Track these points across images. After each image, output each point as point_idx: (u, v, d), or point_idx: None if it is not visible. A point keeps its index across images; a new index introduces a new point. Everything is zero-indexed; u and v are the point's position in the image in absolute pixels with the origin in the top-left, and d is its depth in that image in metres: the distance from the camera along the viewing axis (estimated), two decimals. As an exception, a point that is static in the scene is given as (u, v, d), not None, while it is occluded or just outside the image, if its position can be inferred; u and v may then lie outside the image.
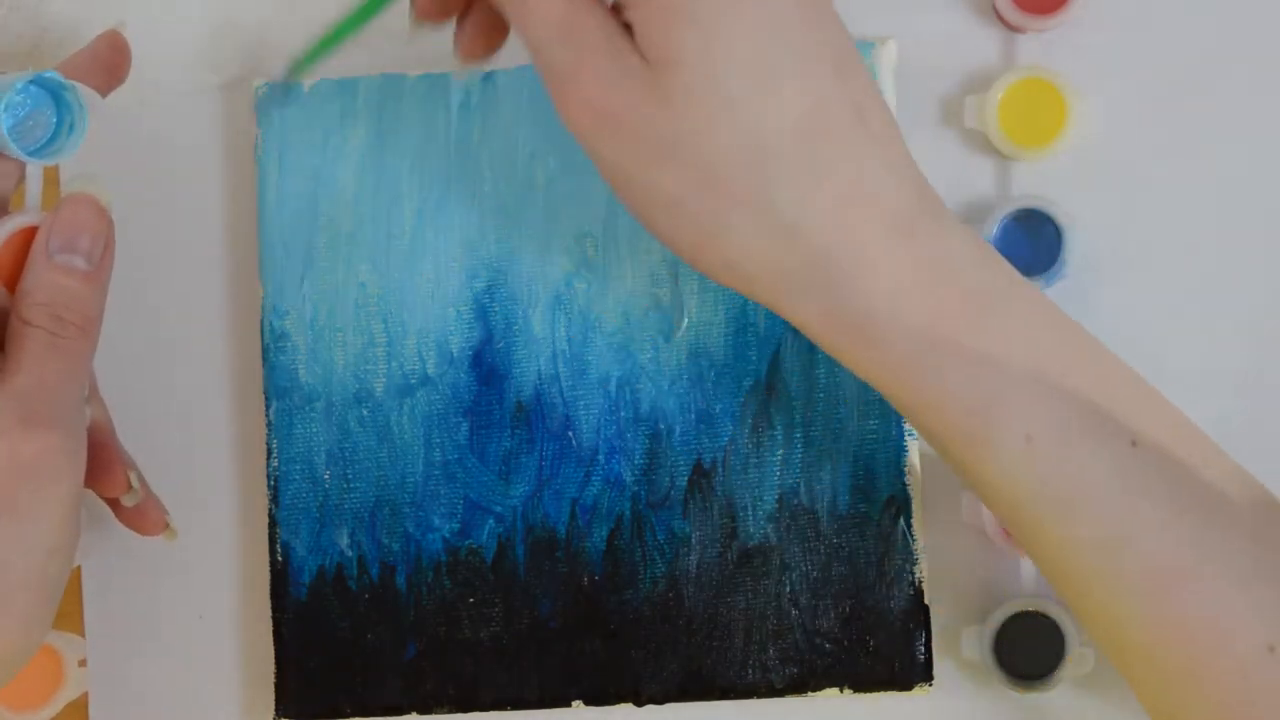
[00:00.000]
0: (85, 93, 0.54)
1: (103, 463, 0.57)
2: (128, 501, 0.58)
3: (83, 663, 0.61)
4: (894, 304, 0.48)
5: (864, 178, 0.48)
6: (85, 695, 0.62)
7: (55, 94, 0.54)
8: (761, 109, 0.47)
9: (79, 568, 0.62)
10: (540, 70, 0.49)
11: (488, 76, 0.61)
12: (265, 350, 0.60)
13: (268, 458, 0.60)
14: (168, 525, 0.59)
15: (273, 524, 0.60)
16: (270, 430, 0.60)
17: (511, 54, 0.61)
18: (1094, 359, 0.50)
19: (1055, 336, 0.49)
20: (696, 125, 0.47)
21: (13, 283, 0.52)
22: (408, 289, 0.60)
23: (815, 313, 0.49)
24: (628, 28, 0.49)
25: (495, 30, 0.54)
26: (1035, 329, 0.49)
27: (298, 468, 0.60)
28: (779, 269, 0.49)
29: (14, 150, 0.53)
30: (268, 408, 0.60)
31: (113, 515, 0.59)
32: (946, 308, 0.48)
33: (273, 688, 0.60)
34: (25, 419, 0.50)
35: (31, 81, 0.53)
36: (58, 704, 0.60)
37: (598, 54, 0.48)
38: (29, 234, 0.53)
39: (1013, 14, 0.59)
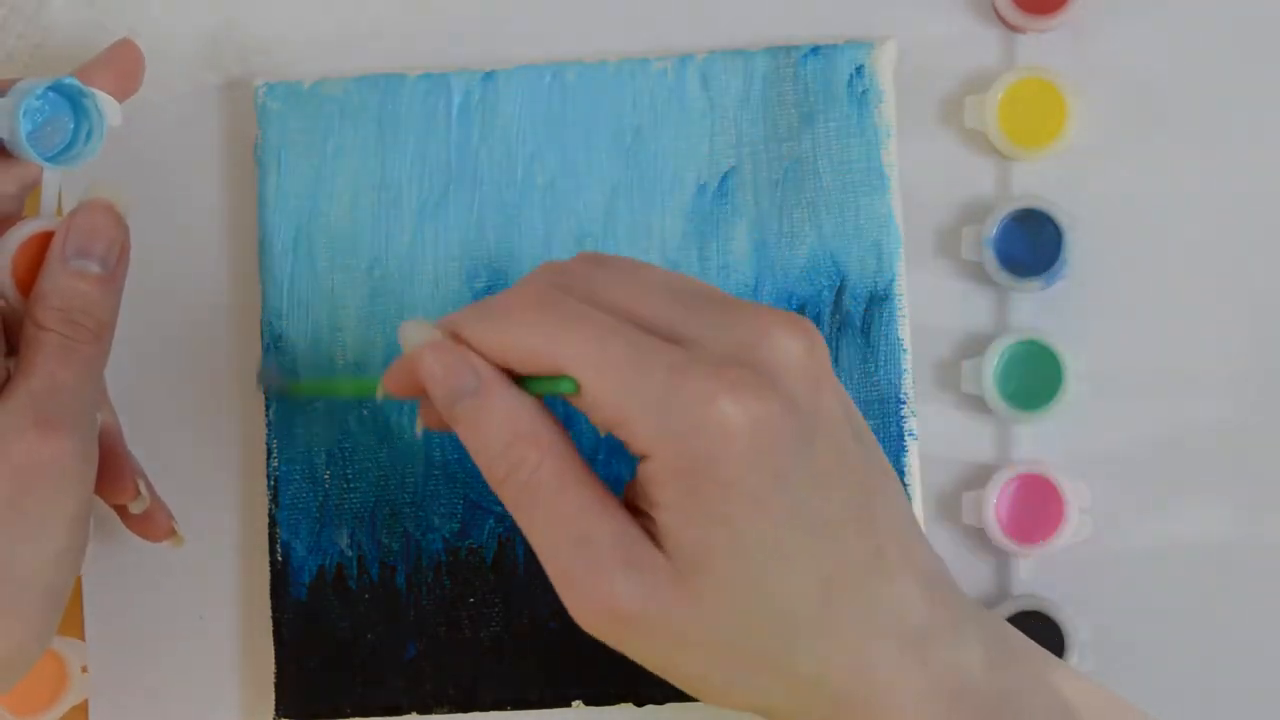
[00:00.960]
0: (103, 99, 0.54)
1: (112, 469, 0.58)
2: (135, 508, 0.58)
3: (85, 668, 0.61)
4: None
5: (878, 612, 0.48)
6: (86, 699, 0.62)
7: (73, 100, 0.54)
8: (784, 587, 0.47)
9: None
10: (547, 569, 0.49)
11: (488, 76, 0.61)
12: (265, 350, 0.60)
13: (268, 458, 0.60)
14: (174, 531, 0.60)
15: (273, 524, 0.60)
16: (270, 430, 0.60)
17: (511, 54, 0.61)
18: None
19: None
20: (721, 616, 0.47)
21: (28, 287, 0.53)
22: (408, 289, 0.60)
23: None
24: (640, 514, 0.49)
25: None
26: None
27: (298, 468, 0.60)
28: (805, 715, 0.49)
29: (32, 155, 0.53)
30: (268, 408, 0.60)
31: (117, 519, 0.60)
32: None
33: (273, 688, 0.60)
34: (39, 422, 0.50)
35: (50, 88, 0.53)
36: (61, 709, 0.60)
37: (615, 563, 0.48)
38: (45, 239, 0.53)
39: (1013, 14, 0.59)
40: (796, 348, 0.48)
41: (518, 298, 0.49)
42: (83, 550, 0.53)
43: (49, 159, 0.54)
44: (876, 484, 0.49)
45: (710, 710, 0.60)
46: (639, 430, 0.47)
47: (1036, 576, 0.59)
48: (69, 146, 0.54)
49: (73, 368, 0.52)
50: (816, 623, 0.48)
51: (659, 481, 0.47)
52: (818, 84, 0.60)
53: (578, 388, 0.48)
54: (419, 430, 0.52)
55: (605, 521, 0.48)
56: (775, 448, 0.47)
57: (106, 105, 0.54)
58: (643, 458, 0.48)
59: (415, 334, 0.50)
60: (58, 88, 0.54)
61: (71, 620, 0.61)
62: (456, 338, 0.49)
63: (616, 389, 0.47)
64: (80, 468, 0.51)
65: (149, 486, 0.59)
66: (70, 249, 0.53)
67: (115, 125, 0.55)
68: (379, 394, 0.51)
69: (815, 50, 0.60)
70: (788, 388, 0.47)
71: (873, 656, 0.48)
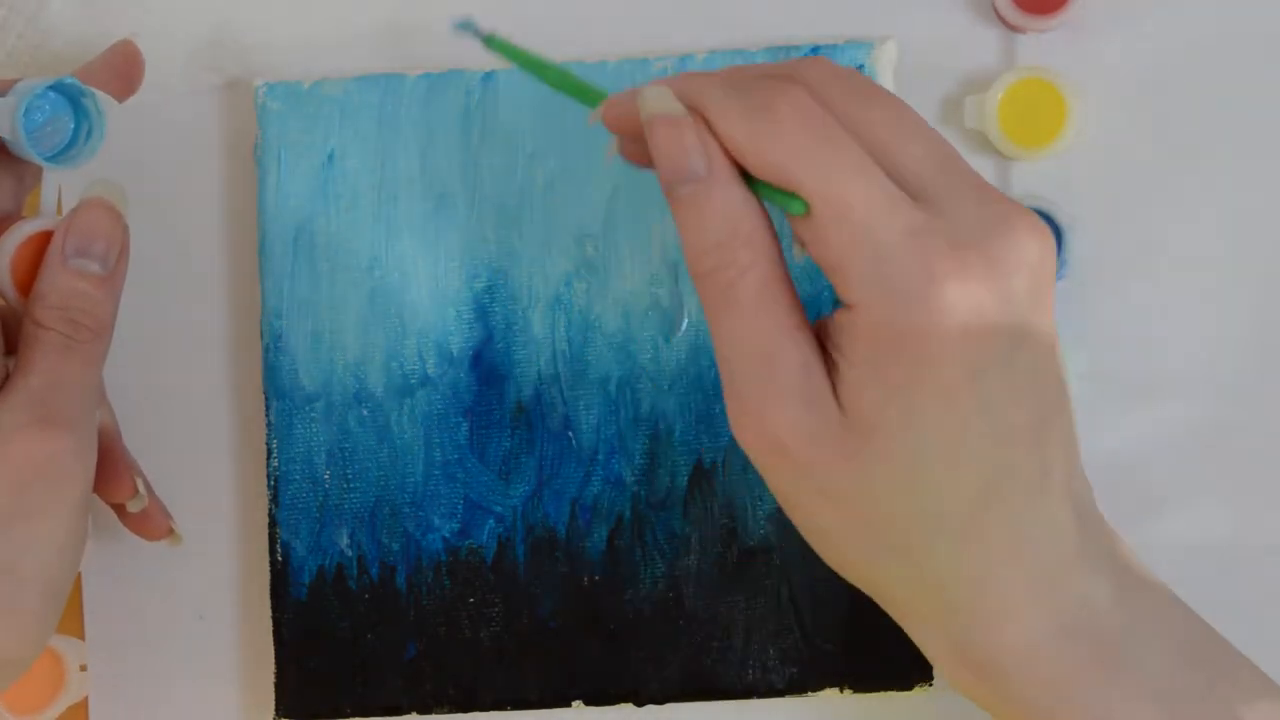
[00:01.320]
0: (103, 99, 0.54)
1: (110, 468, 0.58)
2: (133, 507, 0.58)
3: (84, 667, 0.61)
4: (1025, 659, 0.48)
5: (1023, 536, 0.47)
6: (85, 697, 0.62)
7: (74, 100, 0.54)
8: (945, 482, 0.46)
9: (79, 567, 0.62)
10: (723, 375, 0.48)
11: (487, 76, 0.61)
12: (265, 351, 0.60)
13: (268, 458, 0.60)
14: (172, 530, 0.60)
15: (273, 524, 0.60)
16: (270, 430, 0.60)
17: (511, 54, 0.61)
18: (1234, 690, 0.49)
19: (1189, 682, 0.48)
20: (875, 486, 0.47)
21: (27, 287, 0.53)
22: (408, 289, 0.60)
23: (944, 649, 0.49)
24: (826, 354, 0.48)
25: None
26: (1168, 675, 0.48)
27: (298, 468, 0.60)
28: (919, 609, 0.49)
29: (31, 155, 0.53)
30: (268, 408, 0.60)
31: (109, 518, 0.60)
32: (1075, 665, 0.47)
33: (273, 688, 0.60)
34: (39, 420, 0.51)
35: (51, 87, 0.53)
36: (59, 707, 0.60)
37: (791, 393, 0.47)
38: (44, 238, 0.53)
39: (1013, 14, 0.59)
40: (1033, 250, 0.47)
41: (781, 100, 0.47)
42: (81, 548, 0.53)
43: (49, 159, 0.54)
44: (1059, 404, 0.48)
45: (710, 710, 0.60)
46: (854, 278, 0.46)
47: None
48: (69, 146, 0.55)
49: (72, 366, 0.52)
50: (963, 526, 0.47)
51: (856, 335, 0.46)
52: (818, 84, 0.60)
53: (806, 212, 0.46)
54: (609, 158, 0.51)
55: (795, 348, 0.47)
56: (982, 343, 0.46)
57: (107, 105, 0.54)
58: (846, 306, 0.47)
59: (656, 101, 0.48)
60: (58, 87, 0.54)
61: (71, 619, 0.61)
62: (698, 115, 0.48)
63: (849, 231, 0.46)
64: (79, 466, 0.52)
65: (147, 485, 0.59)
66: (70, 248, 0.53)
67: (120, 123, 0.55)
68: (590, 119, 0.50)
69: (815, 50, 0.60)
70: (1012, 287, 0.46)
71: (1004, 577, 0.47)
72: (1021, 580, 0.47)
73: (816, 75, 0.48)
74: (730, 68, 0.51)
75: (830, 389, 0.47)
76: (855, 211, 0.46)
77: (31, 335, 0.52)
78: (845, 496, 0.47)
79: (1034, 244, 0.47)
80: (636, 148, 0.50)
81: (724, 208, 0.47)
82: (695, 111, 0.48)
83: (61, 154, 0.54)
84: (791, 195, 0.47)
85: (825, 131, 0.47)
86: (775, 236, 0.48)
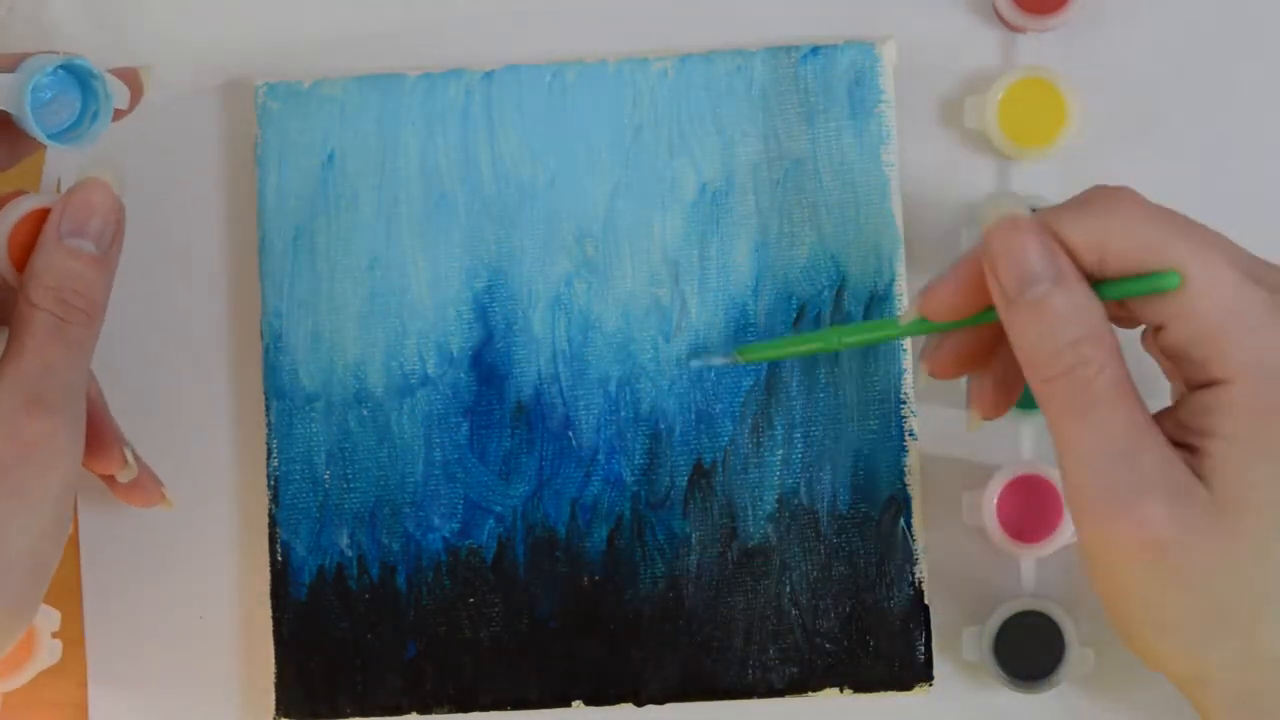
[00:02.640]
0: (112, 83, 0.54)
1: (98, 440, 0.57)
2: (123, 478, 0.58)
3: (56, 634, 0.60)
4: None
5: None
6: (86, 696, 0.62)
7: (83, 81, 0.54)
8: None
9: (80, 566, 0.62)
10: (1075, 477, 0.47)
11: (487, 76, 0.61)
12: (265, 350, 0.60)
13: (268, 458, 0.60)
14: (164, 497, 0.59)
15: (273, 524, 0.60)
16: (270, 430, 0.60)
17: (511, 54, 0.61)
18: None
19: None
20: (1239, 563, 0.46)
21: (24, 263, 0.53)
22: (408, 289, 0.60)
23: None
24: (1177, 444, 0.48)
25: (1013, 387, 0.53)
26: None
27: (298, 468, 0.60)
28: (1240, 688, 0.48)
29: (35, 130, 0.53)
30: (268, 408, 0.60)
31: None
32: None
33: (273, 688, 0.60)
34: (30, 401, 0.51)
35: (61, 66, 0.53)
36: (29, 673, 0.59)
37: (1160, 485, 0.46)
38: (42, 215, 0.53)
39: (1013, 14, 0.59)
40: None
41: (1121, 195, 0.48)
42: (67, 528, 0.53)
43: (52, 136, 0.53)
44: None
45: (710, 710, 0.60)
46: (1231, 351, 0.46)
47: (1036, 576, 0.59)
48: (74, 126, 0.54)
49: (63, 348, 0.52)
50: None
51: (1229, 411, 0.46)
52: (818, 84, 0.60)
53: (1180, 286, 0.46)
54: (973, 426, 0.53)
55: (1155, 441, 0.47)
56: None
57: (116, 89, 0.54)
58: (1219, 381, 0.47)
59: (999, 205, 0.48)
60: (69, 66, 0.53)
61: (71, 619, 0.61)
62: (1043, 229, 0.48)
63: (1225, 301, 0.46)
64: (68, 447, 0.52)
65: (135, 454, 0.58)
66: (66, 227, 0.52)
67: (122, 109, 0.55)
68: (904, 318, 0.52)
69: (815, 50, 0.60)
70: None
71: None
72: None
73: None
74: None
75: (1190, 476, 0.47)
76: (1231, 281, 0.46)
77: (24, 315, 0.52)
78: (1203, 579, 0.47)
79: None
80: (954, 353, 0.51)
81: (1075, 307, 0.47)
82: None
83: (65, 132, 0.54)
84: (1151, 277, 0.47)
85: (1173, 213, 0.48)
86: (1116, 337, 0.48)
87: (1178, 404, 0.48)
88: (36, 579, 0.52)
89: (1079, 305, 0.47)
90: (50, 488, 0.51)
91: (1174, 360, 0.49)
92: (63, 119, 0.54)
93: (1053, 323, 0.47)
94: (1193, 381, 0.48)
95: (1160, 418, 0.49)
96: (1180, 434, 0.48)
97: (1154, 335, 0.49)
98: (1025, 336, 0.48)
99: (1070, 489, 0.48)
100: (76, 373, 0.52)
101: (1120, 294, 0.48)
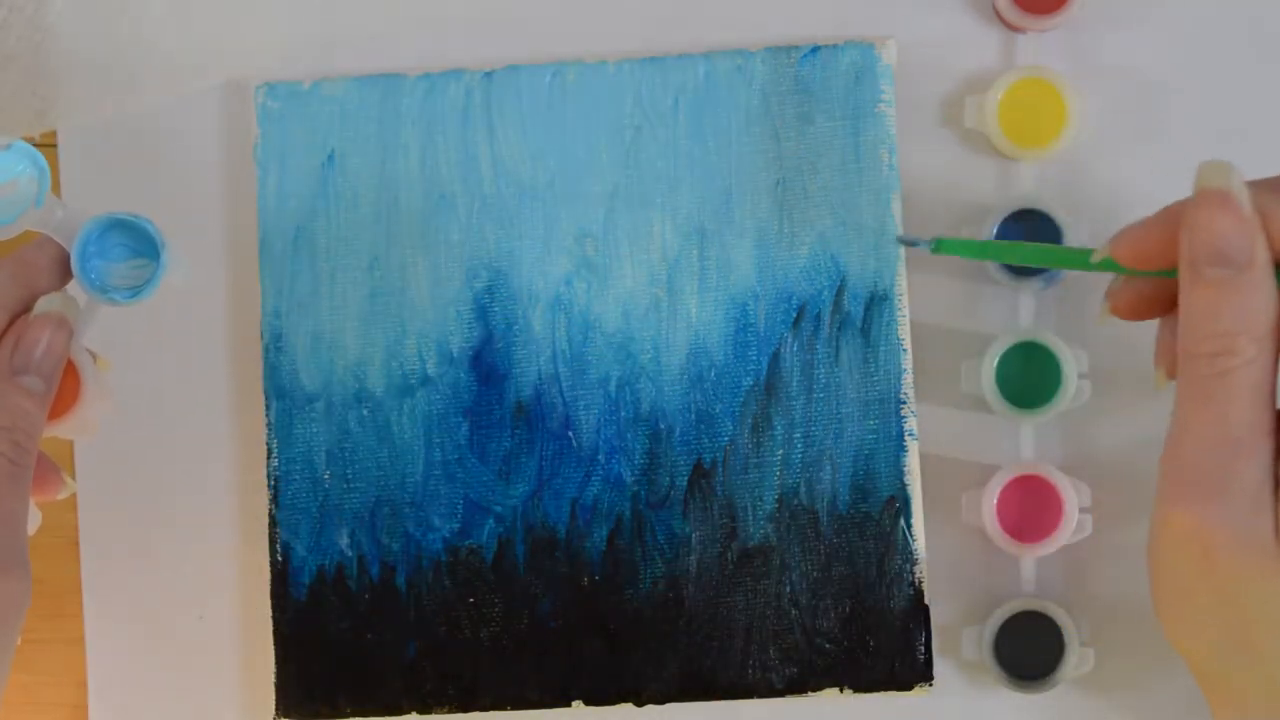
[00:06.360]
0: (174, 254, 0.53)
1: (43, 476, 0.56)
2: (62, 496, 0.57)
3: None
4: None
5: None
6: (86, 696, 0.62)
7: (154, 249, 0.54)
8: None
9: (79, 567, 0.62)
10: (1174, 458, 0.47)
11: (488, 76, 0.61)
12: (265, 350, 0.60)
13: (268, 458, 0.60)
14: (64, 482, 0.58)
15: (273, 524, 0.60)
16: (270, 430, 0.60)
17: (511, 54, 0.61)
18: None
19: None
20: (1275, 600, 0.46)
21: None
22: (408, 289, 0.60)
23: None
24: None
25: (1157, 304, 0.52)
26: None
27: (298, 468, 0.60)
28: (1247, 699, 0.48)
29: (97, 296, 0.53)
30: (268, 408, 0.60)
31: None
32: None
33: (273, 688, 0.60)
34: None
35: (114, 223, 0.53)
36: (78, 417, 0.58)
37: (1243, 491, 0.46)
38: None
39: (1013, 14, 0.59)
40: None
41: None
42: (9, 668, 0.52)
43: (103, 291, 0.53)
44: None
45: (710, 710, 0.60)
46: None
47: (1036, 576, 0.59)
48: (139, 291, 0.54)
49: (16, 492, 0.51)
50: None
51: None
52: (818, 84, 0.60)
53: None
54: (1101, 320, 0.52)
55: (1261, 451, 0.46)
56: None
57: (176, 263, 0.54)
58: None
59: (1215, 174, 0.48)
60: (120, 222, 0.53)
61: (71, 618, 0.61)
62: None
63: None
64: (25, 595, 0.51)
65: (55, 465, 0.57)
66: (18, 363, 0.52)
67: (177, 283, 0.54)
68: (1095, 256, 0.50)
69: (815, 50, 0.60)
70: None
71: None
72: None
73: None
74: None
75: (1274, 501, 0.47)
76: None
77: None
78: (1239, 604, 0.47)
79: None
80: (1138, 295, 0.50)
81: (1251, 301, 0.47)
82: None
83: (130, 294, 0.54)
84: None
85: None
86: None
87: None
88: None
89: (1252, 301, 0.47)
90: (10, 639, 0.51)
91: None
92: (132, 279, 0.54)
93: (1221, 307, 0.47)
94: None
95: None
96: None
97: None
98: (1192, 305, 0.47)
99: (1165, 457, 0.47)
100: (24, 514, 0.52)
101: None
